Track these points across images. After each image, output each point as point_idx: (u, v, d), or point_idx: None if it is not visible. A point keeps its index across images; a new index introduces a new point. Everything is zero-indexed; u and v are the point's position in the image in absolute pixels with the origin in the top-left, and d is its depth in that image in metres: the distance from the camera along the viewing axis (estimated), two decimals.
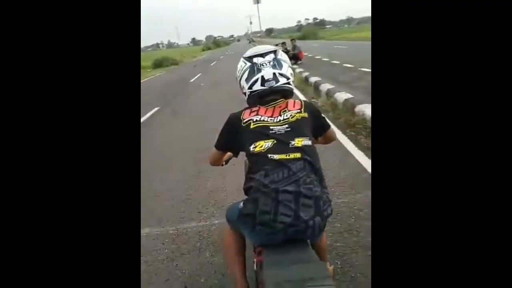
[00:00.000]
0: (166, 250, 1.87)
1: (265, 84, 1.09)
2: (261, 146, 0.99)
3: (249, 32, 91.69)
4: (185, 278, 1.61)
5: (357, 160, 2.66)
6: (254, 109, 1.10)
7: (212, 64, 17.53)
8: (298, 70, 7.63)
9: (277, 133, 1.01)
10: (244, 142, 1.05)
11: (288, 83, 1.11)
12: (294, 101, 1.11)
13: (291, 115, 1.06)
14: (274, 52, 1.14)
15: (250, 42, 56.52)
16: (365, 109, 3.34)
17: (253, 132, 1.03)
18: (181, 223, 2.11)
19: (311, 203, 0.92)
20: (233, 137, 1.11)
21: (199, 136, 3.97)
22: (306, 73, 6.71)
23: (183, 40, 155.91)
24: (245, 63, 1.14)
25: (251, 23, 70.57)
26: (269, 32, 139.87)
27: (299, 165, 0.96)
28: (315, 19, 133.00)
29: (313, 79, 5.84)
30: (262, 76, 1.09)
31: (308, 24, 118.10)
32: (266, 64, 1.10)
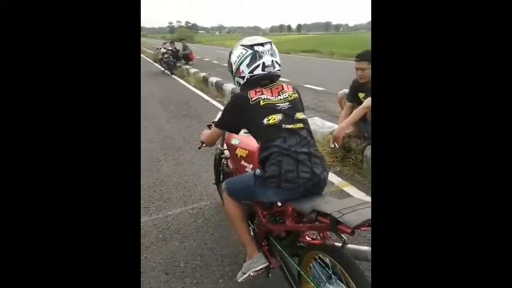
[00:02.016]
0: None
1: (265, 70, 1.24)
2: (274, 119, 1.17)
3: None
4: (163, 267, 1.57)
5: None
6: (257, 90, 1.23)
7: None
8: (193, 70, 7.69)
9: (283, 108, 1.20)
10: (254, 117, 1.19)
11: (279, 70, 1.30)
12: (287, 85, 1.31)
13: (289, 95, 1.25)
14: (270, 42, 1.29)
15: None
16: None
17: (264, 108, 1.19)
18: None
19: (319, 161, 1.15)
20: (240, 115, 1.23)
21: None
22: (204, 73, 6.88)
23: None
24: (246, 50, 1.25)
25: None
26: None
27: (305, 132, 1.19)
28: (187, 22, 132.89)
29: (213, 79, 6.07)
30: (263, 63, 1.24)
31: (181, 27, 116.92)
32: (266, 52, 1.25)
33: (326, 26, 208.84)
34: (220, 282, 1.46)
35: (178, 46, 9.63)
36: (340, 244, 1.05)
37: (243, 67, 1.26)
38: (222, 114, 1.30)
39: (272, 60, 1.26)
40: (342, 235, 1.02)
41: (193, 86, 6.60)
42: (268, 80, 1.28)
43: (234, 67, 1.30)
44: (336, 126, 2.62)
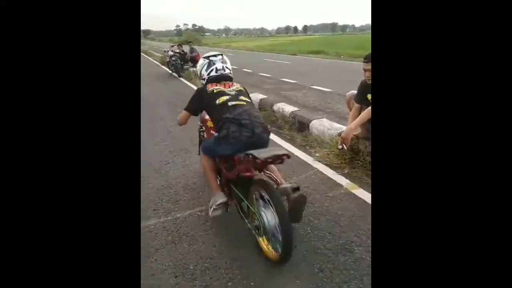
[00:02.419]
0: None
1: (218, 72, 1.84)
2: (223, 99, 1.66)
3: None
4: (172, 269, 1.57)
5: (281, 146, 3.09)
6: (213, 84, 1.77)
7: None
8: None
9: (230, 93, 1.71)
10: (210, 100, 1.68)
11: (230, 72, 1.89)
12: (235, 83, 1.84)
13: (236, 88, 1.78)
14: (222, 54, 1.92)
15: None
16: (283, 106, 3.83)
17: (217, 94, 1.69)
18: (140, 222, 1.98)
19: (260, 125, 1.61)
20: (200, 101, 1.77)
21: None
22: None
23: None
24: (204, 60, 1.89)
25: None
26: (146, 33, 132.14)
27: (247, 107, 1.65)
28: (194, 25, 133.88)
29: None
30: (216, 68, 1.84)
31: (188, 29, 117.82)
32: (218, 61, 1.87)
33: (333, 27, 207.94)
34: (230, 285, 1.46)
35: (186, 49, 9.69)
36: (275, 186, 1.65)
37: (203, 72, 1.88)
38: (189, 102, 1.82)
39: (223, 66, 1.86)
40: (277, 179, 1.74)
41: None
42: (221, 78, 1.84)
43: (198, 73, 1.94)
44: (344, 128, 2.61)
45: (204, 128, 2.21)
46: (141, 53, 21.30)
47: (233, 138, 1.55)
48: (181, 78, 8.29)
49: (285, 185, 1.66)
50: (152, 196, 2.29)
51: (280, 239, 1.41)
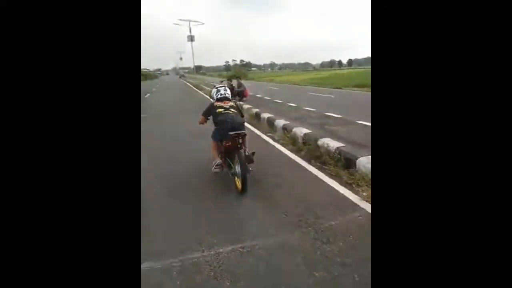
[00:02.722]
0: (178, 283, 1.76)
1: (221, 95, 3.40)
2: (220, 110, 3.21)
3: (178, 67, 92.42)
4: None
5: (331, 186, 3.00)
6: (218, 102, 3.33)
7: (146, 96, 16.96)
8: (246, 106, 8.05)
9: (225, 107, 3.23)
10: (214, 110, 3.25)
11: (228, 95, 3.44)
12: (231, 101, 3.39)
13: (230, 104, 3.30)
14: (225, 85, 3.59)
15: (180, 77, 56.90)
16: (328, 141, 3.78)
17: (218, 107, 3.24)
18: (183, 255, 2.02)
19: (238, 121, 3.13)
20: (209, 111, 3.33)
21: (167, 152, 3.81)
22: (256, 110, 7.16)
23: None
24: (215, 88, 3.56)
25: (181, 58, 71.76)
26: (198, 68, 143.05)
27: (232, 113, 3.19)
28: (241, 61, 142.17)
29: (265, 115, 6.27)
30: (220, 93, 3.41)
31: (236, 64, 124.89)
32: (221, 89, 3.48)
33: None
34: None
35: (234, 83, 10.24)
36: (243, 151, 3.01)
37: (213, 95, 3.50)
38: (204, 110, 3.37)
39: (224, 92, 3.43)
40: (245, 148, 3.15)
41: (246, 122, 6.86)
42: (223, 99, 3.36)
43: (212, 95, 3.57)
44: None
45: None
46: (193, 87, 22.95)
47: (222, 129, 3.08)
48: None
49: (247, 152, 3.17)
50: (197, 229, 2.34)
51: (241, 178, 2.85)
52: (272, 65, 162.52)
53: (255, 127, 6.22)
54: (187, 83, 31.49)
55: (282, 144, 4.67)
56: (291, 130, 4.77)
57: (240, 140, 2.98)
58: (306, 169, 3.54)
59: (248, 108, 7.69)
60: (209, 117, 3.34)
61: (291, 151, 4.30)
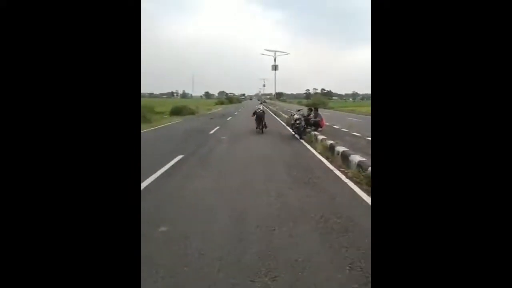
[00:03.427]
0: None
1: (258, 111, 10.98)
2: (255, 112, 11.00)
3: (260, 93, 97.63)
4: None
5: None
6: (255, 111, 11.10)
7: (228, 119, 18.21)
8: (320, 137, 7.82)
9: (258, 110, 10.96)
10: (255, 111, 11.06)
11: (261, 110, 10.96)
12: (261, 107, 11.44)
13: (261, 108, 11.38)
14: (261, 110, 10.96)
15: (261, 103, 59.74)
16: None
17: (256, 111, 10.96)
18: None
19: (263, 113, 10.90)
20: (254, 112, 10.99)
21: (231, 191, 3.89)
22: (331, 141, 6.86)
23: (197, 92, 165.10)
24: (255, 109, 11.15)
25: (264, 85, 75.56)
26: (279, 95, 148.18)
27: (261, 112, 10.87)
28: (322, 89, 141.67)
29: (339, 148, 5.94)
30: (257, 110, 11.02)
31: (316, 93, 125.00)
32: (258, 108, 11.03)
33: None
34: None
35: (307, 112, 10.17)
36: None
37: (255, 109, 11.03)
38: (253, 112, 11.47)
39: (260, 108, 11.22)
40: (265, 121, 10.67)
41: (318, 153, 6.63)
42: (259, 112, 10.87)
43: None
44: None
45: None
46: (272, 114, 23.68)
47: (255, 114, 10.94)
48: (302, 140, 8.60)
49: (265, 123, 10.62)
50: (252, 265, 2.24)
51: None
52: (354, 95, 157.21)
53: (327, 160, 5.94)
54: (267, 109, 32.85)
55: (356, 182, 4.29)
56: (367, 169, 4.36)
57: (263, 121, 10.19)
58: None
59: (323, 139, 7.43)
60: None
61: (365, 191, 3.90)
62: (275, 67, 34.40)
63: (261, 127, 10.48)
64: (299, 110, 10.29)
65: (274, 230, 2.81)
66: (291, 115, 11.11)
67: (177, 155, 6.28)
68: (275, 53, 35.07)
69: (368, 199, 3.65)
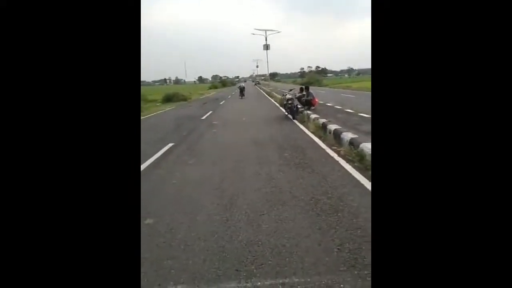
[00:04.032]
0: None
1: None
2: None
3: (254, 74, 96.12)
4: None
5: None
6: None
7: (221, 103, 17.94)
8: (313, 116, 7.69)
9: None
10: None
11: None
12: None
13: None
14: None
15: (255, 84, 59.03)
16: None
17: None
18: (219, 283, 1.88)
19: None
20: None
21: (223, 178, 3.82)
22: (323, 120, 6.75)
23: (190, 77, 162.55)
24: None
25: (257, 66, 74.11)
26: (273, 76, 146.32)
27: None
28: (317, 67, 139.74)
29: (331, 126, 5.84)
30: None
31: (311, 71, 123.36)
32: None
33: None
34: None
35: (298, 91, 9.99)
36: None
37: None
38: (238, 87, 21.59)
39: (242, 85, 20.74)
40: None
41: (311, 132, 6.53)
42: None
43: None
44: None
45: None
46: (266, 95, 23.38)
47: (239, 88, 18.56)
48: (294, 120, 8.48)
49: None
50: (239, 253, 2.19)
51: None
52: (350, 71, 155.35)
53: (320, 139, 5.85)
54: (261, 90, 32.35)
55: (348, 161, 4.22)
56: (358, 145, 4.28)
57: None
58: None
59: (315, 118, 7.31)
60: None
61: (356, 169, 3.84)
62: (266, 47, 33.62)
63: (242, 95, 19.69)
64: (291, 90, 10.11)
65: (263, 214, 2.75)
66: (283, 95, 10.93)
67: (168, 143, 6.17)
68: (265, 32, 34.21)
69: (358, 176, 3.59)
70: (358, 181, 3.44)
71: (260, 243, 2.28)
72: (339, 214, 2.65)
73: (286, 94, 9.93)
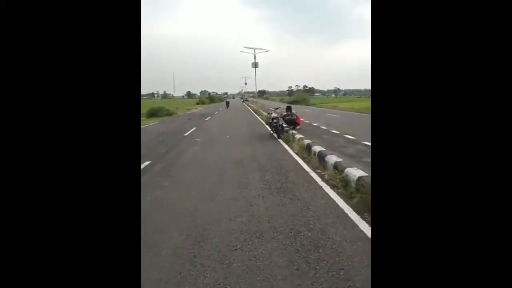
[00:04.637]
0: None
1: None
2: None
3: (243, 91, 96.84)
4: None
5: None
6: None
7: (206, 119, 17.68)
8: (298, 136, 7.52)
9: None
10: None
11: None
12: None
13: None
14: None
15: (243, 101, 59.17)
16: None
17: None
18: None
19: None
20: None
21: (197, 204, 3.49)
22: (308, 141, 6.57)
23: (178, 92, 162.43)
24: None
25: (246, 83, 74.77)
26: (262, 93, 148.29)
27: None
28: (305, 86, 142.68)
29: (316, 148, 5.65)
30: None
31: (298, 90, 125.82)
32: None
33: None
34: None
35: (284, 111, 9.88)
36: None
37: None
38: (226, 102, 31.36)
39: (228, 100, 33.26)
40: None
41: (295, 153, 6.32)
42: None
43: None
44: None
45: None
46: (253, 112, 23.35)
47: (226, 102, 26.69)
48: (280, 140, 8.28)
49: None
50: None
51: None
52: (337, 91, 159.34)
53: (304, 160, 5.63)
54: (248, 107, 32.37)
55: (332, 186, 4.00)
56: (343, 170, 4.08)
57: None
58: (356, 226, 2.82)
59: (300, 139, 7.13)
60: None
61: (341, 196, 3.61)
62: (255, 65, 33.92)
63: (227, 106, 22.81)
64: (276, 109, 9.99)
65: (236, 250, 2.45)
66: (269, 113, 10.80)
67: (145, 161, 5.81)
68: (254, 51, 34.58)
69: (342, 204, 3.36)
70: (342, 211, 3.20)
71: (228, 287, 1.97)
72: (320, 251, 2.37)
73: (271, 113, 9.79)
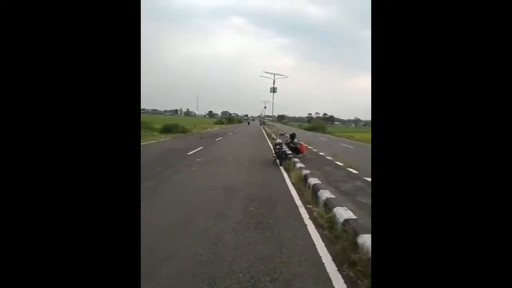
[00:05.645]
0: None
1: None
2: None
3: (263, 115, 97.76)
4: None
5: None
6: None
7: (217, 139, 17.61)
8: (299, 165, 7.12)
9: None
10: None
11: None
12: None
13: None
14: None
15: (261, 124, 59.53)
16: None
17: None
18: None
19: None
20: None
21: (161, 235, 3.16)
22: (306, 171, 6.17)
23: (201, 110, 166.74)
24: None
25: (265, 107, 75.51)
26: (281, 118, 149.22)
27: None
28: (325, 114, 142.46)
29: (312, 180, 5.24)
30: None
31: (318, 117, 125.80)
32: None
33: None
34: None
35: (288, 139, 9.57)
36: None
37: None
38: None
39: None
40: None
41: (292, 183, 5.92)
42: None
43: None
44: None
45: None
46: (266, 136, 23.15)
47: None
48: (281, 167, 7.91)
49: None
50: None
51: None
52: (357, 121, 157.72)
53: (298, 192, 5.22)
54: (263, 130, 32.26)
55: (318, 226, 3.56)
56: (331, 209, 3.65)
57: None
58: (329, 281, 2.38)
59: (300, 168, 6.73)
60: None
61: (323, 239, 3.17)
62: (273, 90, 34.20)
63: (248, 124, 24.36)
64: (282, 135, 9.70)
65: None
66: (273, 139, 10.52)
67: None
68: (274, 76, 35.02)
69: (322, 250, 2.92)
70: (319, 258, 2.76)
71: None
72: None
73: (276, 138, 9.49)
